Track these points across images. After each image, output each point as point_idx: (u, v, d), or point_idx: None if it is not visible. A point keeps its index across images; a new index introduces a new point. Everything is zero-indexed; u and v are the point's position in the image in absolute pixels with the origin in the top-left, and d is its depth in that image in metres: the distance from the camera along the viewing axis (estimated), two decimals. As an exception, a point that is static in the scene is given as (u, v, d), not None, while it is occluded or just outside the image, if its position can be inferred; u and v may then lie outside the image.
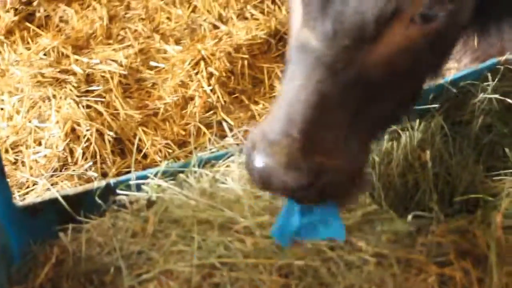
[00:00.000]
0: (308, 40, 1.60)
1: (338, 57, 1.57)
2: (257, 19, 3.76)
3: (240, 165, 1.81)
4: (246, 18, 3.80)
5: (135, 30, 3.70)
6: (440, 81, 2.05)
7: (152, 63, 3.43)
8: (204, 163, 1.92)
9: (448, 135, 1.92)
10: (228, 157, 1.89)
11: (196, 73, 3.29)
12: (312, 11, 1.59)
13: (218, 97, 3.18)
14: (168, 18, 3.78)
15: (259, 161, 1.56)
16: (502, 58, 2.10)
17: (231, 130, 2.69)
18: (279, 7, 3.87)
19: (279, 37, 3.67)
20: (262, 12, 3.83)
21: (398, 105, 1.82)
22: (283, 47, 3.61)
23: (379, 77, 1.64)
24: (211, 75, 3.28)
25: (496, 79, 2.07)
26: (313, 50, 1.59)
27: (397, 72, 1.66)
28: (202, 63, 3.32)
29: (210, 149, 2.26)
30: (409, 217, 1.60)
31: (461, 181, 1.83)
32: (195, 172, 1.87)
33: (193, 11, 3.84)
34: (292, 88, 1.60)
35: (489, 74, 2.08)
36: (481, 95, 2.04)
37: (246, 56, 3.45)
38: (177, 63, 3.36)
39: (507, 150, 1.97)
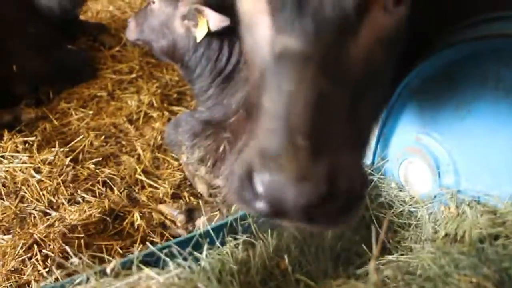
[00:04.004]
0: (287, 45, 1.52)
1: (324, 54, 1.50)
2: (89, 202, 3.72)
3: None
4: (78, 202, 3.73)
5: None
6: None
7: (-20, 255, 3.17)
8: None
9: (302, 244, 1.99)
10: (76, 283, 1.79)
11: (30, 258, 3.11)
12: (287, 15, 1.53)
13: (57, 278, 2.98)
14: (-6, 212, 3.58)
15: (267, 183, 1.37)
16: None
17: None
18: (110, 189, 3.88)
19: (114, 215, 3.64)
20: (94, 195, 3.79)
21: (378, 101, 1.86)
22: (120, 225, 3.59)
23: (363, 69, 1.61)
24: (46, 257, 3.12)
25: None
26: (296, 54, 1.50)
27: (376, 63, 1.66)
28: (35, 246, 3.17)
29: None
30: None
31: (325, 284, 1.86)
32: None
33: (21, 201, 3.70)
34: (281, 98, 1.47)
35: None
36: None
37: (82, 235, 3.34)
38: (8, 250, 3.16)
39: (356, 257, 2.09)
